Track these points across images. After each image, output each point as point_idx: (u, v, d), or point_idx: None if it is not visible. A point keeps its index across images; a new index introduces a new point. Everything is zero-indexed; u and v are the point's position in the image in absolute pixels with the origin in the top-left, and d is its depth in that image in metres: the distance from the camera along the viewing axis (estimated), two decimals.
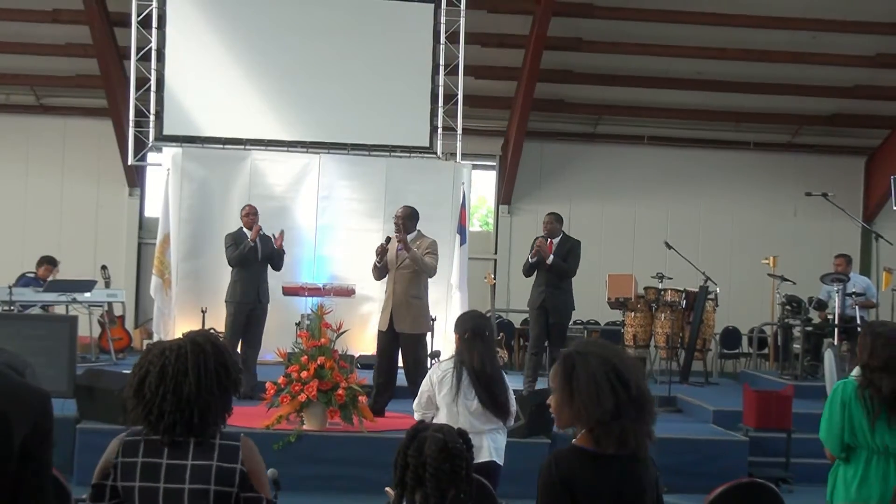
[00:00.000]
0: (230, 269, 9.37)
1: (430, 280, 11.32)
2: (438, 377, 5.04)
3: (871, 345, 3.99)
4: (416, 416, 5.19)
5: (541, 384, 8.65)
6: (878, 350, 3.96)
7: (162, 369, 2.70)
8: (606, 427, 2.73)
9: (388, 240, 8.41)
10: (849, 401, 3.99)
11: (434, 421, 4.93)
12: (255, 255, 9.21)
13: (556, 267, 8.99)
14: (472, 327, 5.02)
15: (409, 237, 8.35)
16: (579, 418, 2.77)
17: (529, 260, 9.07)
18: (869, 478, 3.97)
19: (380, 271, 8.43)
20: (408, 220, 8.46)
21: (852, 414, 3.98)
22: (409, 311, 8.20)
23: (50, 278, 10.93)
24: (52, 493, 2.53)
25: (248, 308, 9.13)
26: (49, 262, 11.17)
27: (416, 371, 7.82)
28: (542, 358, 9.14)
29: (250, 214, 9.38)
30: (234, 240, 9.26)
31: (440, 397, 4.99)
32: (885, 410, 3.89)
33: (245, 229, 9.34)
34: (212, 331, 2.89)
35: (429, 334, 8.67)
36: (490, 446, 4.95)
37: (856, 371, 4.15)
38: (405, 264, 8.27)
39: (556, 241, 9.13)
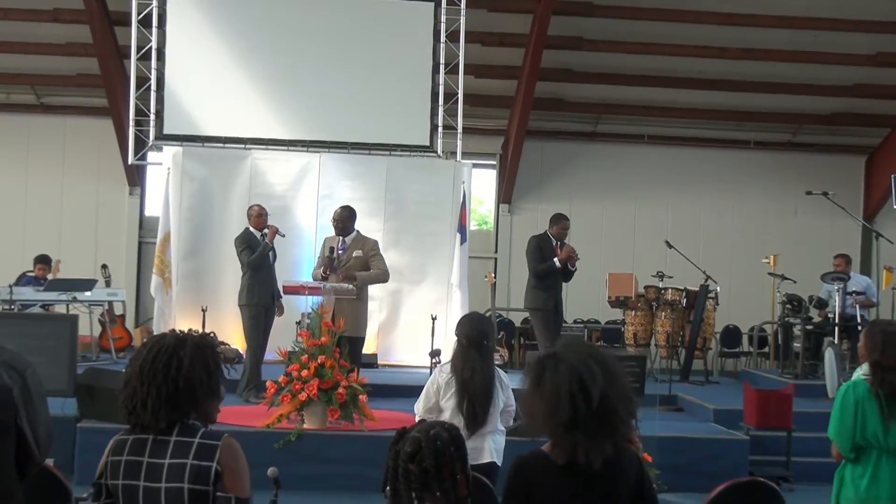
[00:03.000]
0: (235, 270, 9.26)
1: (430, 279, 11.41)
2: (444, 380, 4.96)
3: (883, 344, 3.96)
4: (417, 419, 5.15)
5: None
6: (890, 349, 3.93)
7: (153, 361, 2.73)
8: (559, 438, 2.73)
9: (333, 250, 8.48)
10: (861, 401, 3.95)
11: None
12: (267, 257, 9.08)
13: (573, 270, 9.14)
14: (468, 334, 4.93)
15: (349, 237, 8.49)
16: (541, 425, 2.78)
17: (556, 264, 9.00)
18: (879, 477, 3.94)
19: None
20: (347, 221, 8.54)
21: (865, 414, 3.94)
22: (349, 313, 8.16)
23: (49, 276, 10.93)
24: (16, 486, 2.52)
25: (266, 309, 9.00)
26: (42, 261, 11.15)
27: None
28: None
29: (262, 215, 9.09)
30: (247, 242, 8.94)
31: (444, 401, 4.94)
32: None
33: (253, 229, 9.05)
34: (212, 335, 2.89)
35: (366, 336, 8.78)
36: (491, 447, 4.92)
37: (863, 370, 4.11)
38: (349, 265, 8.36)
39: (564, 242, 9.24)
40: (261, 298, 8.91)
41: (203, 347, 2.77)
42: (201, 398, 2.75)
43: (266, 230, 9.00)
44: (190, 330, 2.87)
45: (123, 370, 2.82)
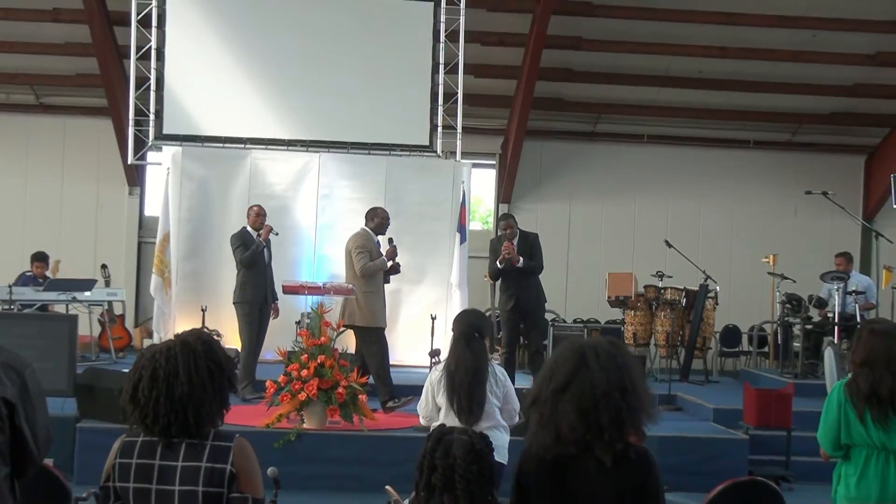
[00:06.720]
0: (234, 269, 9.31)
1: (430, 279, 11.42)
2: (437, 378, 4.98)
3: (856, 342, 3.99)
4: (421, 420, 5.14)
5: (519, 383, 8.65)
6: (860, 347, 3.95)
7: (153, 372, 2.70)
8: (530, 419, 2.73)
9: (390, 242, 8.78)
10: (843, 400, 3.98)
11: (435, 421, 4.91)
12: (262, 257, 9.15)
13: (527, 268, 8.94)
14: (460, 329, 4.94)
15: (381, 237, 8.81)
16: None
17: (498, 265, 8.95)
18: (868, 474, 3.96)
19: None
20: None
21: (847, 413, 3.96)
22: (363, 305, 8.44)
23: (48, 274, 10.93)
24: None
25: (259, 307, 9.08)
26: (39, 258, 11.15)
27: (370, 365, 8.28)
28: (515, 357, 9.36)
29: (261, 215, 9.25)
30: (242, 240, 9.09)
31: (439, 398, 4.94)
32: (867, 407, 3.88)
33: (249, 229, 9.20)
34: (205, 329, 2.88)
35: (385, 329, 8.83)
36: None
37: None
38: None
39: (515, 240, 9.03)
40: (254, 297, 9.04)
41: (192, 343, 2.75)
42: (209, 395, 2.73)
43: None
44: (181, 333, 2.86)
45: (127, 374, 2.79)
